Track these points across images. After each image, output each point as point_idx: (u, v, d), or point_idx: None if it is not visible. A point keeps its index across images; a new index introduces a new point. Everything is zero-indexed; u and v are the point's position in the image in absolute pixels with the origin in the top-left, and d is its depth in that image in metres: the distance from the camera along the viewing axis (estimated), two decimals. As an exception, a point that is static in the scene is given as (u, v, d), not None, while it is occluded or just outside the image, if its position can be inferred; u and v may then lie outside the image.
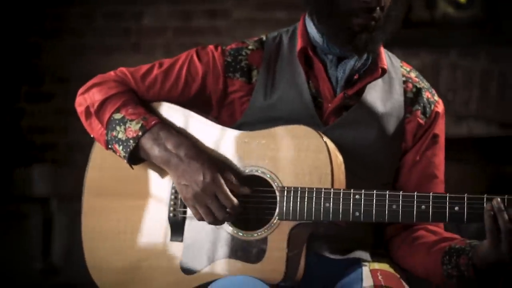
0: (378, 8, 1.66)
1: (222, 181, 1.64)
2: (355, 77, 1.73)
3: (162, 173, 1.74)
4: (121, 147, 1.70)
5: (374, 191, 1.59)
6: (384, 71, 1.73)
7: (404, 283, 1.68)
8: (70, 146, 4.09)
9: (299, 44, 1.73)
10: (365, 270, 1.68)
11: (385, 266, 1.72)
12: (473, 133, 4.12)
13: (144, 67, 1.78)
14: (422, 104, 1.77)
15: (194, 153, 1.67)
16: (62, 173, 4.00)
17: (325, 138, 1.66)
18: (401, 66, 1.80)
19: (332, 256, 1.70)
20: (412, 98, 1.77)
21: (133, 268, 1.72)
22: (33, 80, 4.20)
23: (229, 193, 1.64)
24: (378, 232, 1.79)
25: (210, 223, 1.66)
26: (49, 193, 4.01)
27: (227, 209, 1.64)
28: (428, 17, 4.18)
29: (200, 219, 1.66)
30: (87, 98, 1.75)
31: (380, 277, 1.65)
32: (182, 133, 1.72)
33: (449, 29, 4.15)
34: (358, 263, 1.71)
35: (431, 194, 1.56)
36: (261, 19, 4.02)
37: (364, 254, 1.72)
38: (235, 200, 1.64)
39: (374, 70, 1.73)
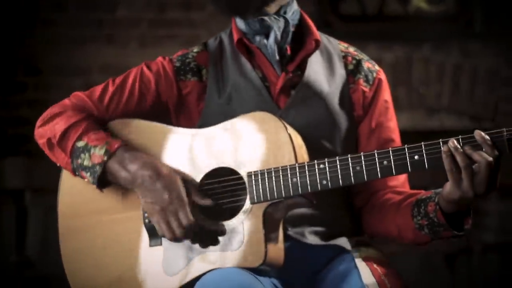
0: None
1: (186, 200, 1.68)
2: (288, 52, 1.79)
3: None
4: (88, 173, 1.73)
5: (337, 157, 1.65)
6: (317, 43, 1.80)
7: (396, 273, 1.70)
8: (43, 138, 4.05)
9: (235, 37, 1.81)
10: (358, 260, 1.70)
11: (372, 253, 1.75)
12: (445, 126, 4.17)
13: (99, 88, 1.82)
14: (363, 73, 1.83)
15: (158, 172, 1.69)
16: (36, 166, 3.97)
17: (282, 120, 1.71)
18: (339, 44, 1.88)
19: (314, 243, 1.74)
20: (353, 69, 1.84)
21: (118, 281, 1.74)
22: (5, 71, 4.16)
23: (189, 213, 1.67)
24: (357, 218, 1.83)
25: (169, 239, 1.69)
26: (23, 186, 3.98)
27: (185, 227, 1.67)
28: (401, 11, 4.21)
29: (162, 235, 1.70)
30: (47, 130, 1.78)
31: (375, 265, 1.68)
32: (146, 149, 1.75)
33: (422, 23, 4.19)
34: (345, 251, 1.74)
35: (390, 149, 1.63)
36: (236, 11, 4.02)
37: (347, 242, 1.75)
38: (192, 219, 1.67)
39: (307, 43, 1.80)
